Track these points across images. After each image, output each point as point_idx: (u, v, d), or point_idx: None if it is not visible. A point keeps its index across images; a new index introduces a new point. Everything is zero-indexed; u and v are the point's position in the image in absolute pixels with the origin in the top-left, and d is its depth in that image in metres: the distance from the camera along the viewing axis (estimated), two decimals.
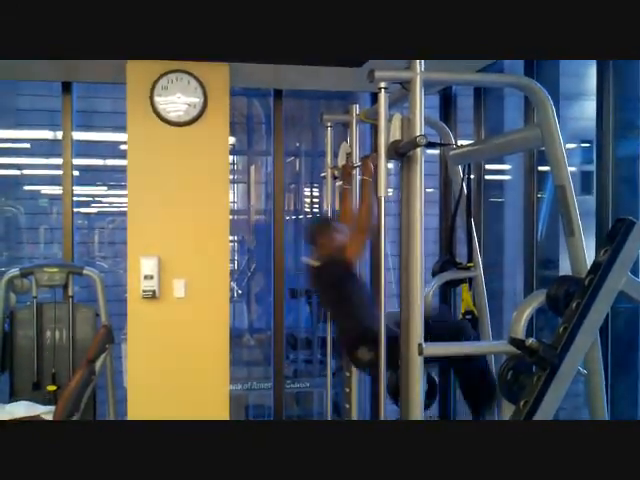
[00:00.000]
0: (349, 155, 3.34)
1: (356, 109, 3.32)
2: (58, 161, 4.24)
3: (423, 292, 2.29)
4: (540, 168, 3.52)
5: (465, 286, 3.36)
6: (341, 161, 3.38)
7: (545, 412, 1.97)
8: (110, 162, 6.26)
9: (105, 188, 6.56)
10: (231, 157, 5.74)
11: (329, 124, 3.51)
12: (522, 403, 2.02)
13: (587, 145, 4.13)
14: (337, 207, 3.49)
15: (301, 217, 6.17)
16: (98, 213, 6.50)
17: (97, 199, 6.54)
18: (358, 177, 3.24)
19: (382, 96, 2.30)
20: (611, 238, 2.14)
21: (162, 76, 3.50)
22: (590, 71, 3.21)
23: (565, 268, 2.64)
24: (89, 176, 6.17)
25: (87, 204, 6.33)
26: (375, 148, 2.48)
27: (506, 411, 2.27)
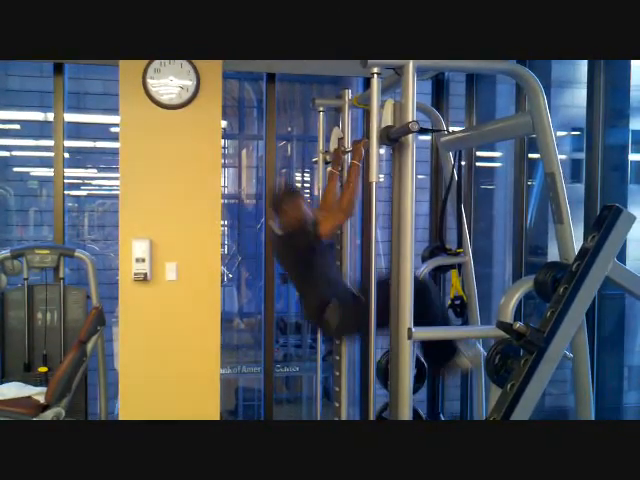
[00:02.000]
0: (341, 140, 3.35)
1: (348, 94, 3.32)
2: (48, 143, 4.22)
3: (413, 277, 2.32)
4: (530, 155, 3.55)
5: (454, 272, 3.40)
6: (333, 146, 3.39)
7: (532, 394, 2.01)
8: (100, 144, 6.23)
9: (95, 170, 6.53)
10: (222, 141, 5.74)
11: (321, 109, 3.52)
12: (509, 386, 2.06)
13: (577, 133, 4.16)
14: None
15: None
16: (88, 196, 6.47)
17: (87, 182, 6.51)
18: (348, 161, 3.25)
19: (375, 82, 2.31)
20: (598, 225, 2.17)
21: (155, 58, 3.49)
22: (581, 60, 3.23)
23: (553, 255, 2.67)
24: (79, 158, 6.14)
25: (77, 187, 6.31)
26: (367, 133, 2.49)
27: (493, 394, 2.31)
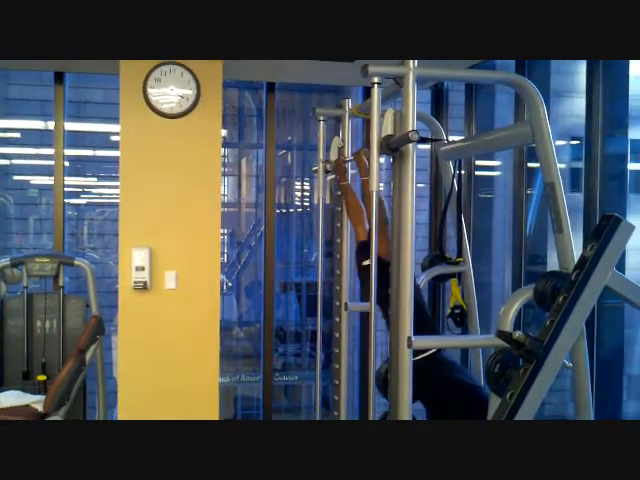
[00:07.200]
0: (341, 149, 3.35)
1: (349, 103, 3.33)
2: (48, 151, 4.23)
3: (413, 286, 2.32)
4: (529, 165, 3.56)
5: (454, 281, 3.39)
6: (333, 155, 3.40)
7: (531, 404, 2.01)
8: (100, 153, 6.24)
9: (95, 179, 6.54)
10: (222, 150, 5.75)
11: (321, 118, 3.52)
12: (508, 395, 2.06)
13: (576, 142, 4.17)
14: (328, 201, 3.50)
15: (292, 211, 6.19)
16: (88, 204, 6.47)
17: (87, 190, 6.52)
18: (351, 171, 3.26)
19: (375, 91, 2.31)
20: (598, 234, 2.17)
21: (155, 68, 3.50)
22: (580, 69, 3.24)
23: (553, 264, 2.67)
24: (79, 167, 6.15)
25: (77, 195, 6.31)
26: (367, 142, 2.49)
27: (493, 403, 2.30)
